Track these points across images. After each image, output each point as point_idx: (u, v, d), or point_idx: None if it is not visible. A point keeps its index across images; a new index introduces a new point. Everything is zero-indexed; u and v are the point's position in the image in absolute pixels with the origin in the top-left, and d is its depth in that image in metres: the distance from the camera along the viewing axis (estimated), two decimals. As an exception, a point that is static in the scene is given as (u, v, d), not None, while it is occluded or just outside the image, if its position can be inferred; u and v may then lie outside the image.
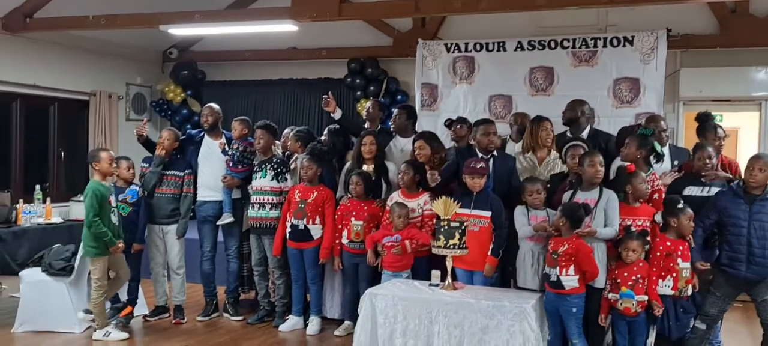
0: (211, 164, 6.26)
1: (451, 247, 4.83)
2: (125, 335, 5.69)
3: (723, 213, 4.71)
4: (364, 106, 8.15)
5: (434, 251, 4.93)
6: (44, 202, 6.68)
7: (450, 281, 4.88)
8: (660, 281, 4.64)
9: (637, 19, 7.23)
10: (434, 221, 5.10)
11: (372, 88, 8.84)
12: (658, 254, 4.65)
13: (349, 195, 5.76)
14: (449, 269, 4.90)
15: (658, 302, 4.59)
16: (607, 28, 7.63)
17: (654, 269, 4.64)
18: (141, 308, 6.29)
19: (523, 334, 4.44)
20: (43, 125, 8.73)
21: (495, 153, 5.44)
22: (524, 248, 5.01)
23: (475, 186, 5.07)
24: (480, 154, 5.35)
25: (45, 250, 5.91)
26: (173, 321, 6.17)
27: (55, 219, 6.46)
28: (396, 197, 5.61)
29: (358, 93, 8.89)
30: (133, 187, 5.93)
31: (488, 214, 5.05)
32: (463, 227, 4.84)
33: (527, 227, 4.95)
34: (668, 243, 4.66)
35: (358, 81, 8.90)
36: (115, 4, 7.43)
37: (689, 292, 4.68)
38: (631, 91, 6.28)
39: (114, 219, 5.55)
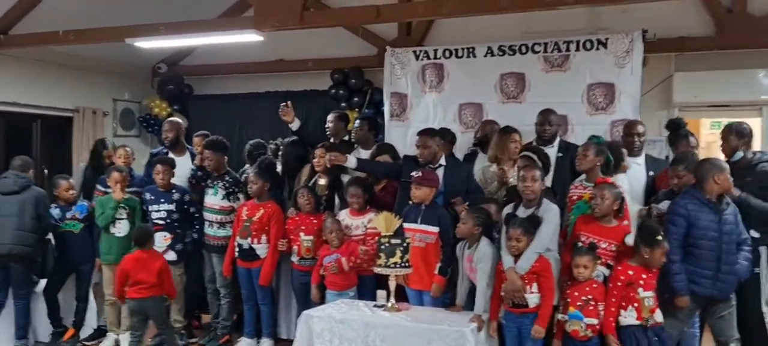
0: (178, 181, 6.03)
1: (393, 265, 4.52)
2: None
3: (690, 223, 4.27)
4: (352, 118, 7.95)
5: (376, 269, 4.63)
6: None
7: (393, 302, 4.58)
8: (622, 311, 4.22)
9: (629, 21, 6.74)
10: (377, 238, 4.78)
11: (356, 99, 8.56)
12: (619, 283, 4.23)
13: (298, 209, 5.47)
14: (393, 288, 4.60)
15: (615, 337, 4.17)
16: (598, 31, 7.18)
17: (613, 300, 4.22)
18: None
19: (463, 360, 4.11)
20: (25, 143, 8.61)
21: (443, 163, 5.10)
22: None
23: (417, 197, 4.75)
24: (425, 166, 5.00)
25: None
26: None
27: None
28: (342, 215, 5.32)
29: (343, 104, 8.61)
30: (81, 203, 5.74)
31: (436, 229, 4.74)
32: (405, 244, 4.53)
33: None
34: (630, 272, 4.23)
35: (341, 92, 8.63)
36: (93, 18, 7.27)
37: (657, 319, 4.22)
38: (606, 97, 5.87)
39: None
